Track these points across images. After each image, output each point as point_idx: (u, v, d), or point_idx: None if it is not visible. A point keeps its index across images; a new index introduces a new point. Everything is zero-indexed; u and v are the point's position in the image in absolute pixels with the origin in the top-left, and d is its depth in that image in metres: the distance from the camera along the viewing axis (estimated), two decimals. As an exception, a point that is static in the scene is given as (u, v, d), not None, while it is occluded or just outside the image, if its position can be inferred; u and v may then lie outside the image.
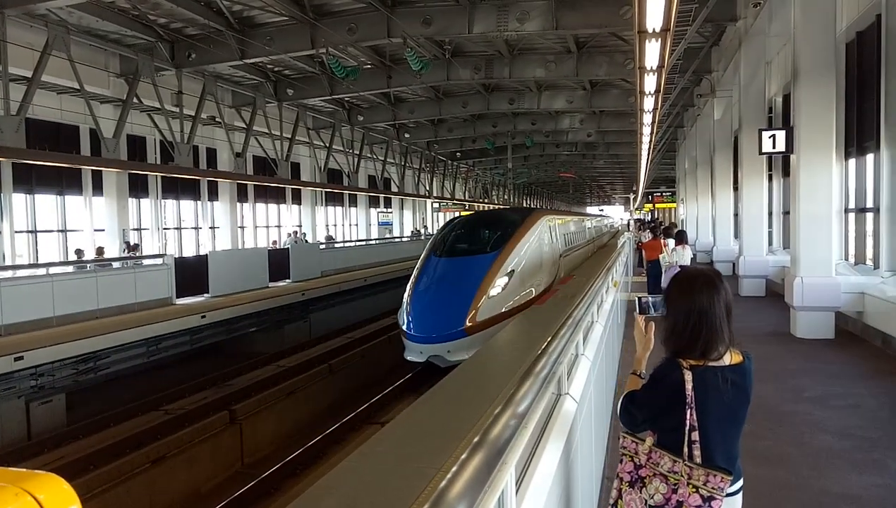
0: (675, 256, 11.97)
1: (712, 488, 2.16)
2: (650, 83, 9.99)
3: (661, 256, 12.44)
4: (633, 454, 2.31)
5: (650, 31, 7.16)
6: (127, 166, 16.20)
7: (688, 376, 2.21)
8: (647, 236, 16.05)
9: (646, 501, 2.22)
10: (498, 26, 13.46)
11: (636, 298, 2.74)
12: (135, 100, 14.54)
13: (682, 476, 2.18)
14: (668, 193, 44.21)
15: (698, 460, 2.19)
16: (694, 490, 2.16)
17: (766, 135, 11.05)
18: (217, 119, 17.98)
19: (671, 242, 13.01)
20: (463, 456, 1.48)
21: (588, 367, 3.66)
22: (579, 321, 3.68)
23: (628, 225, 52.54)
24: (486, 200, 44.77)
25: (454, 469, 1.40)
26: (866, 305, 9.64)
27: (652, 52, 8.10)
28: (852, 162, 11.52)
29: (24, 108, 11.25)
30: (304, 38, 14.15)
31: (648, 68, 8.88)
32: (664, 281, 12.56)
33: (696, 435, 2.20)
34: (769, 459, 5.11)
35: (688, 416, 2.20)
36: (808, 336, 9.71)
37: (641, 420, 2.36)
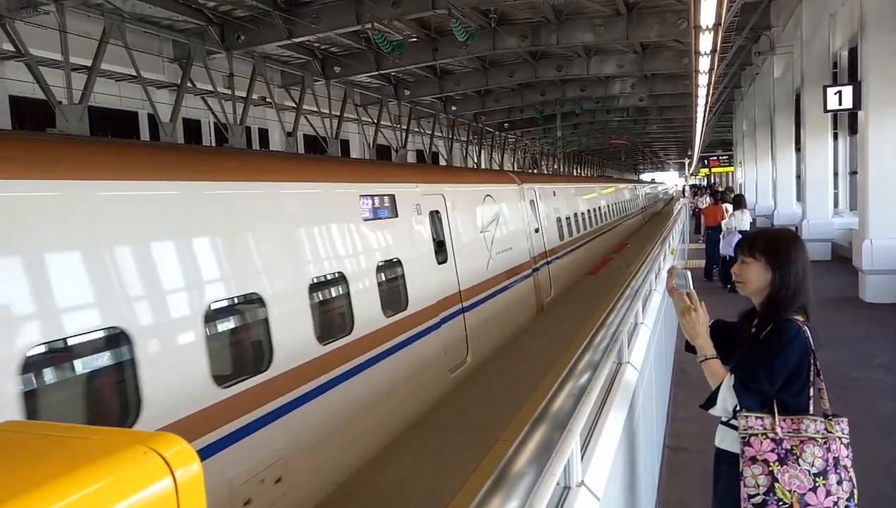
0: (733, 221, 11.64)
1: (847, 434, 2.18)
2: (706, 42, 9.66)
3: (723, 222, 12.08)
4: (765, 430, 2.18)
5: (705, -13, 6.92)
6: (184, 149, 16.63)
7: (808, 332, 2.21)
8: (705, 201, 15.60)
9: (808, 472, 2.13)
10: (544, -9, 13.16)
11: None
12: (189, 84, 14.89)
13: (831, 431, 2.15)
14: (724, 157, 42.72)
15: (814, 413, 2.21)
16: (840, 441, 2.15)
17: (831, 91, 10.55)
18: (268, 99, 18.26)
19: (729, 207, 12.64)
20: (528, 425, 1.50)
21: (648, 336, 3.63)
22: (637, 290, 3.64)
23: (683, 191, 51.18)
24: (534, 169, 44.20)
25: (520, 437, 1.42)
26: (942, 267, 9.18)
27: (708, 10, 7.83)
28: (926, 116, 10.87)
29: (87, 97, 11.69)
30: (350, 14, 14.16)
31: (704, 27, 8.58)
32: (723, 248, 12.29)
33: (812, 391, 2.21)
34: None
35: (811, 373, 2.21)
36: (877, 300, 9.34)
37: (775, 391, 2.20)
